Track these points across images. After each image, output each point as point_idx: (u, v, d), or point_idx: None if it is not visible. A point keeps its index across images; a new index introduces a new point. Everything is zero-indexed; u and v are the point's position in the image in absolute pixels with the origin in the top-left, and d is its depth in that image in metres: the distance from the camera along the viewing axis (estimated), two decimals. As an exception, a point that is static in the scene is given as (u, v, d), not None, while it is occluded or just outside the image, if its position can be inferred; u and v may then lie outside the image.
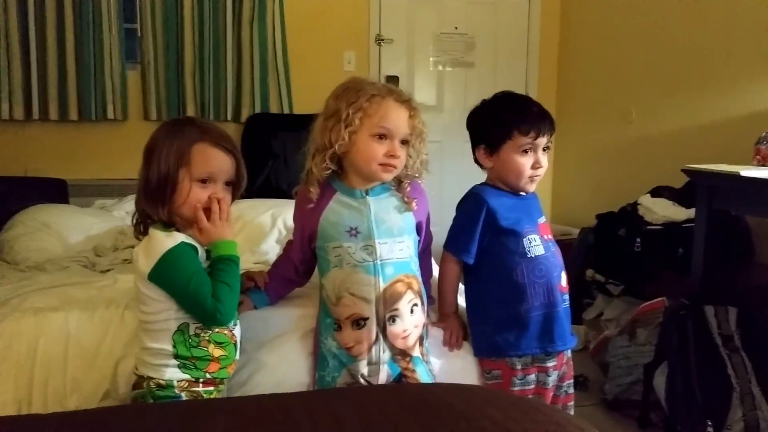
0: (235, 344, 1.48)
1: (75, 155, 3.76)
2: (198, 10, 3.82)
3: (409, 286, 1.57)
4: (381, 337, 1.54)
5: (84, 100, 3.72)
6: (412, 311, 1.57)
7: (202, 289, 1.36)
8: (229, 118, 3.94)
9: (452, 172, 4.14)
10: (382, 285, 1.52)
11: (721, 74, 3.02)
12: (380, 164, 1.50)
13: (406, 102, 1.53)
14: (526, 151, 1.65)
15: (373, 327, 1.53)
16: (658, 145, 3.43)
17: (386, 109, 1.49)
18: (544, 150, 1.68)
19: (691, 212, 2.62)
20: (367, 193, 1.56)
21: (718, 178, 2.17)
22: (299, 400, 0.90)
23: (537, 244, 1.68)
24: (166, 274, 1.37)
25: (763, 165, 2.16)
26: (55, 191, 3.13)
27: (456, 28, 4.29)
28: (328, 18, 4.00)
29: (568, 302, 1.73)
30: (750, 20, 2.85)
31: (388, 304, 1.53)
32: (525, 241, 1.67)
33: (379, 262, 1.52)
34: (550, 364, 1.71)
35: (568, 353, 1.77)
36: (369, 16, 4.12)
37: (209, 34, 3.84)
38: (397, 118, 1.50)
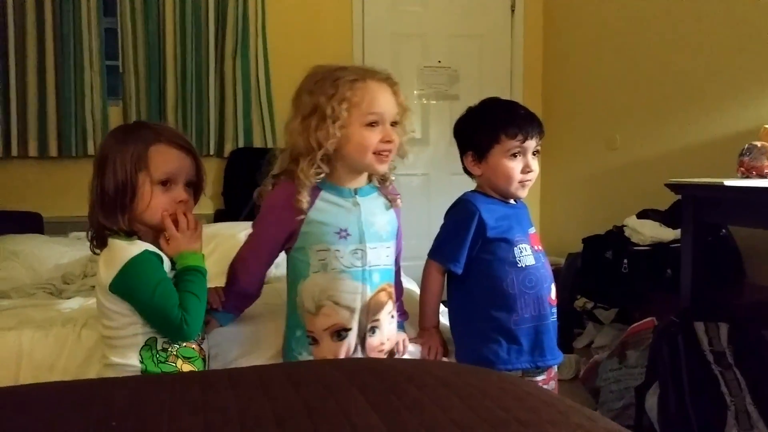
0: (204, 359, 1.40)
1: (55, 191, 3.72)
2: (180, 44, 3.83)
3: (390, 296, 1.48)
4: (360, 348, 1.44)
5: (64, 137, 3.71)
6: (389, 322, 1.49)
7: (168, 300, 1.28)
8: (211, 152, 3.92)
9: (439, 204, 4.06)
10: (369, 293, 1.41)
11: (703, 96, 3.01)
12: (375, 153, 1.38)
13: (387, 79, 1.42)
14: (515, 155, 1.61)
15: (354, 338, 1.42)
16: (643, 170, 3.40)
17: (372, 92, 1.37)
18: (534, 154, 1.64)
19: (678, 233, 2.56)
20: (356, 193, 1.44)
21: (702, 190, 2.12)
22: (225, 371, 0.83)
23: (528, 254, 1.62)
24: (129, 283, 1.28)
25: (747, 176, 2.12)
26: (30, 224, 3.07)
27: (439, 61, 4.31)
28: (312, 51, 3.99)
29: (555, 315, 1.67)
30: (729, 42, 2.86)
31: (371, 314, 1.43)
32: (516, 250, 1.61)
33: (368, 268, 1.41)
34: (540, 378, 1.65)
35: (555, 368, 1.70)
36: (352, 49, 4.13)
37: (192, 68, 3.85)
38: (385, 100, 1.38)
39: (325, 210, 1.40)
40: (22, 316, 1.67)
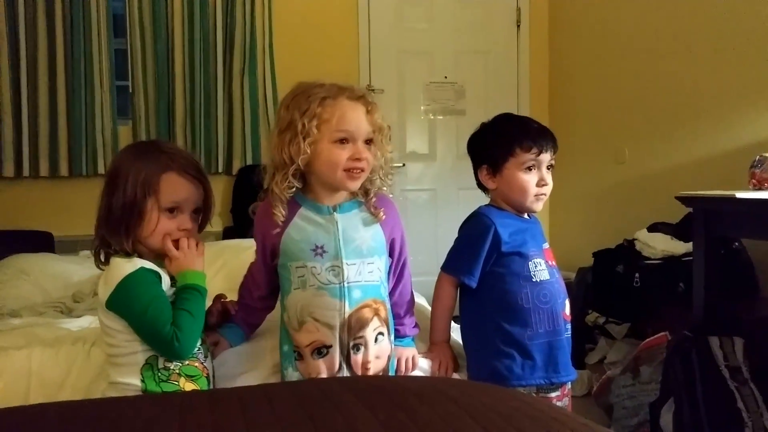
0: (207, 377, 1.39)
1: (65, 211, 3.73)
2: (189, 63, 3.86)
3: (376, 313, 1.46)
4: (344, 366, 1.43)
5: (75, 156, 3.73)
6: (376, 340, 1.46)
7: (160, 316, 1.28)
8: (220, 170, 3.93)
9: (447, 220, 4.10)
10: (347, 310, 1.41)
11: (713, 108, 3.00)
12: (345, 170, 1.39)
13: (361, 98, 1.42)
14: (530, 168, 1.61)
15: (336, 356, 1.41)
16: (653, 184, 3.38)
17: (342, 109, 1.38)
18: (548, 168, 1.64)
19: (689, 246, 2.55)
20: (334, 210, 1.45)
21: (713, 203, 2.10)
22: (234, 390, 0.82)
23: (542, 268, 1.62)
24: (123, 300, 1.29)
25: (759, 189, 2.10)
26: (41, 243, 3.08)
27: (446, 77, 4.32)
28: (318, 69, 3.96)
29: (569, 332, 1.65)
30: (738, 54, 2.85)
31: (353, 331, 1.42)
32: (530, 264, 1.60)
33: (345, 285, 1.41)
34: (554, 395, 1.63)
35: (569, 385, 1.68)
36: (359, 66, 4.15)
37: (200, 87, 3.87)
38: (356, 117, 1.40)
39: (301, 227, 1.43)
40: (32, 334, 1.67)
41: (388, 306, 1.51)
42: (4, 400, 1.45)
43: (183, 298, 1.33)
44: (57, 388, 1.48)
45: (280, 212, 1.41)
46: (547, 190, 1.64)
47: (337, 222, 1.44)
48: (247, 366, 1.53)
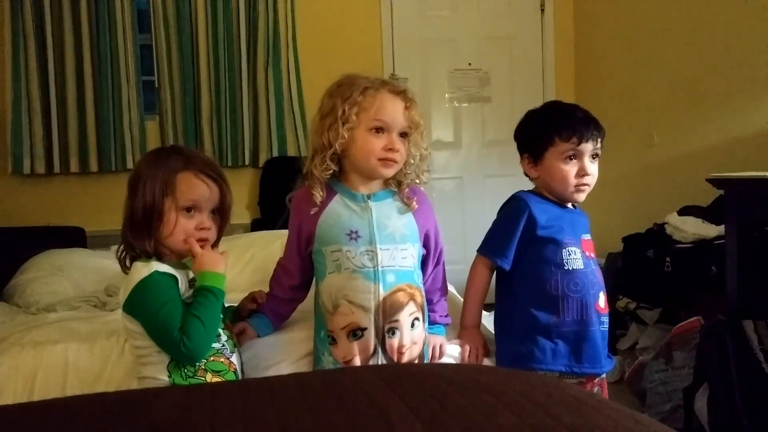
0: (235, 372, 1.40)
1: (96, 206, 3.79)
2: (213, 58, 3.89)
3: (412, 297, 1.48)
4: (380, 350, 1.45)
5: (104, 152, 3.78)
6: (413, 325, 1.48)
7: (171, 321, 1.29)
8: (246, 163, 3.96)
9: (473, 208, 4.09)
10: (382, 293, 1.44)
11: (743, 89, 2.93)
12: (379, 159, 1.44)
13: (401, 93, 1.48)
14: (570, 158, 1.59)
15: (371, 338, 1.44)
16: (683, 166, 3.32)
17: (381, 101, 1.44)
18: (593, 157, 1.62)
19: (721, 229, 2.50)
20: (369, 198, 1.50)
21: (745, 185, 2.06)
22: (265, 379, 0.83)
23: (577, 257, 1.60)
24: (137, 304, 1.31)
25: (793, 169, 2.06)
26: (74, 239, 3.14)
27: (470, 63, 4.28)
28: (342, 59, 4.02)
29: (606, 325, 1.63)
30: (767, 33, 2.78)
31: (387, 315, 1.44)
32: (564, 252, 1.59)
33: (380, 269, 1.44)
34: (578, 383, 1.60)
35: (603, 376, 1.66)
36: (382, 55, 4.15)
37: (225, 81, 3.90)
38: (393, 110, 1.45)
39: (337, 212, 1.48)
40: (67, 329, 1.71)
41: (423, 293, 1.54)
42: (42, 393, 1.49)
43: (196, 302, 1.33)
44: (93, 381, 1.51)
45: (319, 193, 1.47)
46: (590, 180, 1.61)
47: (371, 209, 1.48)
48: (279, 357, 1.55)
